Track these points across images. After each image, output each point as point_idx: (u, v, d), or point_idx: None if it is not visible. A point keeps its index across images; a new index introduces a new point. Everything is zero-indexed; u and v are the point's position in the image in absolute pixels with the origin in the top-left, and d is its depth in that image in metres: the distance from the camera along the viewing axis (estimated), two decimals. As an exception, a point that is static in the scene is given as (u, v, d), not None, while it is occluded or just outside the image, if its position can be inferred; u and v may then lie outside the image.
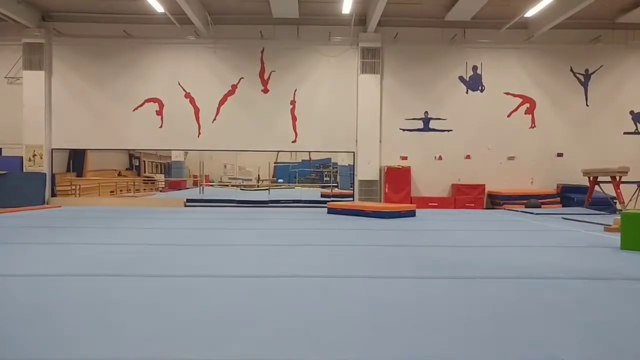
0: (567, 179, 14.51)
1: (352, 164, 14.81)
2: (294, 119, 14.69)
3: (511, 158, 14.81)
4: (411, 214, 11.27)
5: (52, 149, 14.49)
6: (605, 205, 12.57)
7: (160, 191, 15.41)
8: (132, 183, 15.13)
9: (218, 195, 14.90)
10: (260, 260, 5.21)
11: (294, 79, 14.66)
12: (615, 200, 12.44)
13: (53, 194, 14.52)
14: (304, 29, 14.46)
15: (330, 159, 15.15)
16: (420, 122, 14.78)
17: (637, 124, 14.90)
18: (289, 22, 14.24)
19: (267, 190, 15.21)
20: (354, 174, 14.77)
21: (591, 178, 12.91)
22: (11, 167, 13.32)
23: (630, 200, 12.16)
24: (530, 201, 13.76)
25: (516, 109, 14.85)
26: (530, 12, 12.90)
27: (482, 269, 4.80)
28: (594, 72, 14.81)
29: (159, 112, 14.61)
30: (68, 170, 14.95)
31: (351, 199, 14.67)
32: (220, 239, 7.13)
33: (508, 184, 14.61)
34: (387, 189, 14.23)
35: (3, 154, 14.36)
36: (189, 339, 2.66)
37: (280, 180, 15.40)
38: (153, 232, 7.78)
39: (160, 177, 15.52)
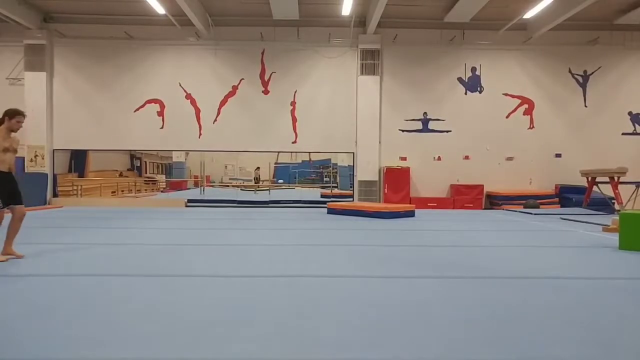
0: (566, 180, 14.57)
1: (352, 164, 14.86)
2: (294, 119, 14.74)
3: (510, 159, 14.87)
4: (410, 214, 11.32)
5: (53, 150, 14.53)
6: (604, 205, 12.63)
7: (162, 192, 15.42)
8: (134, 183, 15.15)
9: (219, 196, 14.93)
10: (261, 260, 5.26)
11: (294, 80, 14.71)
12: (613, 201, 12.50)
13: (55, 195, 14.55)
14: (304, 30, 14.51)
15: (330, 159, 15.19)
16: (420, 122, 14.84)
17: (636, 124, 14.96)
18: (289, 23, 14.28)
19: (268, 191, 15.24)
20: (353, 174, 14.82)
21: (589, 178, 12.97)
22: (12, 168, 13.34)
23: (629, 200, 12.23)
24: (529, 201, 13.80)
25: (515, 110, 14.91)
26: (529, 14, 12.95)
27: (481, 269, 4.85)
28: (592, 73, 14.87)
29: (160, 113, 14.65)
30: (70, 171, 14.97)
31: (351, 199, 14.71)
32: (221, 239, 7.18)
33: (507, 184, 14.66)
34: (386, 190, 14.28)
35: (4, 155, 14.38)
36: (189, 338, 2.69)
37: (280, 181, 15.42)
38: (154, 232, 7.82)
39: (162, 178, 15.53)
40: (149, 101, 14.66)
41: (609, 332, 2.90)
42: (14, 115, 5.13)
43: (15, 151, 5.25)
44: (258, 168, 15.24)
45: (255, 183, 15.31)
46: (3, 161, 5.07)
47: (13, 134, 5.24)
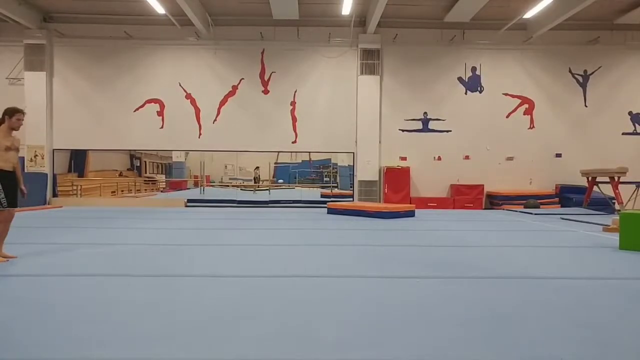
0: (566, 180, 14.56)
1: (352, 164, 14.86)
2: (294, 119, 14.74)
3: (510, 158, 14.86)
4: (410, 214, 11.32)
5: (53, 150, 14.53)
6: (604, 205, 12.62)
7: (161, 191, 15.42)
8: (133, 183, 15.15)
9: (218, 196, 14.94)
10: (261, 260, 5.26)
11: (294, 79, 14.71)
12: (613, 201, 12.50)
13: (54, 195, 14.55)
14: (304, 30, 14.50)
15: (330, 159, 15.18)
16: (420, 122, 14.84)
17: (636, 124, 14.96)
18: (289, 23, 14.28)
19: (268, 191, 15.25)
20: (353, 174, 14.82)
21: (590, 178, 12.97)
22: (12, 168, 13.33)
23: (629, 200, 12.22)
24: (529, 201, 13.80)
25: (515, 110, 14.91)
26: (529, 13, 12.94)
27: (481, 269, 4.85)
28: (592, 72, 14.87)
29: (160, 113, 14.65)
30: (69, 171, 14.97)
31: (351, 199, 14.70)
32: (221, 239, 7.18)
33: (507, 184, 14.66)
34: (386, 190, 14.28)
35: (4, 155, 14.37)
36: (189, 339, 2.69)
37: (280, 181, 15.42)
38: (154, 232, 7.82)
39: (161, 178, 15.53)
40: (149, 101, 14.65)
41: (609, 332, 2.90)
42: (14, 114, 5.11)
43: (17, 150, 5.23)
44: (257, 168, 15.26)
45: (254, 183, 15.31)
46: (7, 160, 5.04)
47: (14, 133, 5.22)
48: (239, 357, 2.44)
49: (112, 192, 15.07)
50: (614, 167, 12.40)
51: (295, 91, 14.71)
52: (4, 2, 12.48)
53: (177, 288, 3.93)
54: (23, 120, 5.23)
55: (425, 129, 14.83)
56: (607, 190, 12.61)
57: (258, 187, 15.33)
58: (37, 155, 14.17)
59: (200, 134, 14.69)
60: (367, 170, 14.51)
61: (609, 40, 14.61)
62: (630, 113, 14.95)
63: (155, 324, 2.96)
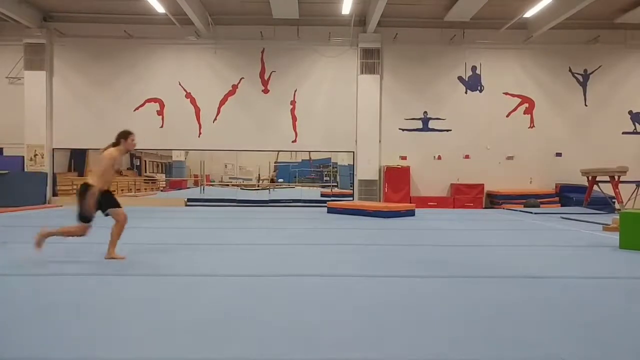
0: (566, 179, 14.57)
1: (352, 163, 14.86)
2: (294, 118, 14.74)
3: (510, 158, 14.86)
4: (410, 213, 11.32)
5: (53, 149, 14.53)
6: (604, 204, 12.63)
7: (161, 191, 15.41)
8: (133, 183, 15.15)
9: (219, 195, 14.94)
10: (260, 260, 5.25)
11: (294, 79, 14.71)
12: (614, 200, 12.50)
13: (54, 194, 14.56)
14: (304, 29, 14.50)
15: (330, 158, 15.18)
16: (420, 122, 14.83)
17: (636, 123, 14.96)
18: (289, 22, 14.28)
19: (268, 190, 15.25)
20: (353, 173, 14.83)
21: (590, 178, 12.97)
22: (12, 167, 13.36)
23: (629, 199, 12.23)
24: (529, 201, 13.80)
25: (515, 109, 14.90)
26: (530, 13, 12.95)
27: (481, 268, 4.84)
28: (592, 72, 14.86)
29: (160, 112, 14.66)
30: (69, 170, 14.97)
31: (351, 198, 14.71)
32: (221, 238, 7.17)
33: (507, 183, 14.66)
34: (386, 189, 14.28)
35: (4, 154, 14.38)
36: (189, 338, 2.69)
37: (280, 180, 15.42)
38: (154, 231, 7.81)
39: (161, 177, 15.53)
40: (149, 100, 14.66)
41: (609, 332, 2.90)
42: (128, 135, 5.21)
43: (119, 172, 5.29)
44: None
45: (258, 182, 15.31)
46: (107, 181, 5.16)
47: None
48: (239, 357, 2.44)
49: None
50: (614, 167, 12.41)
51: (295, 90, 14.71)
52: (4, 1, 12.47)
53: (177, 287, 3.92)
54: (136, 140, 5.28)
55: (425, 128, 14.83)
56: (607, 189, 12.62)
57: (258, 186, 15.33)
58: (37, 155, 14.17)
59: (200, 133, 14.70)
60: (367, 170, 14.52)
61: (609, 40, 14.60)
62: (630, 112, 14.95)
63: (155, 323, 2.95)
